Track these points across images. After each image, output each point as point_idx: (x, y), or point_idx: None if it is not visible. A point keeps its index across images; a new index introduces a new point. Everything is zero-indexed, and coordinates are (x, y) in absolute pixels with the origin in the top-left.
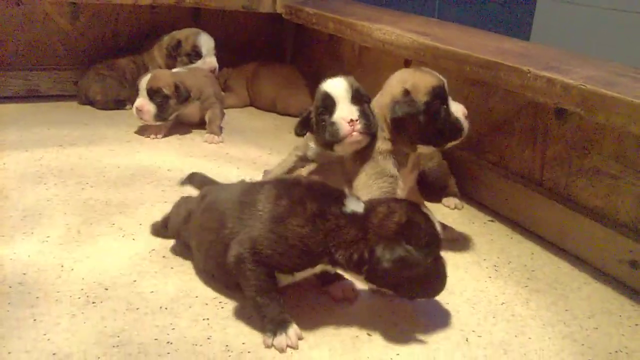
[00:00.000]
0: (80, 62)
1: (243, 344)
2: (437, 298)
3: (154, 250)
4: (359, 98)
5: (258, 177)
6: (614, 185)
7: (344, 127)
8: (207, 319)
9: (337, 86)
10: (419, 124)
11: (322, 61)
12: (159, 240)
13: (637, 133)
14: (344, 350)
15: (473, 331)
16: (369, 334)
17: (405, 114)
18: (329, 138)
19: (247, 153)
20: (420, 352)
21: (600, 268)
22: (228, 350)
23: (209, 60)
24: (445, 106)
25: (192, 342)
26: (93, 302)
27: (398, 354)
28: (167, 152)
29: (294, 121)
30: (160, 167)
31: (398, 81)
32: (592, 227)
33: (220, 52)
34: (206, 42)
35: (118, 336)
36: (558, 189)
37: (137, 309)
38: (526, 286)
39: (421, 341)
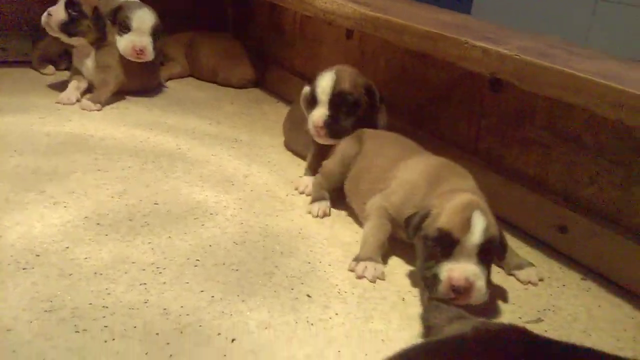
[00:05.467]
0: (7, 26)
1: (181, 307)
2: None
3: (87, 217)
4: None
5: (197, 146)
6: (545, 154)
7: (447, 290)
8: (145, 283)
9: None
10: None
11: (263, 32)
12: (92, 208)
13: (569, 102)
14: (283, 311)
15: (409, 291)
16: (308, 295)
17: None
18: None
19: (186, 123)
20: (357, 311)
21: (532, 233)
22: (166, 314)
23: (135, 39)
24: None
25: (129, 306)
26: (24, 268)
27: (337, 314)
28: (99, 121)
29: (235, 92)
30: (92, 135)
31: None
32: (524, 195)
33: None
34: (140, 19)
35: (50, 301)
36: (492, 158)
37: (70, 274)
38: None
39: (359, 302)
